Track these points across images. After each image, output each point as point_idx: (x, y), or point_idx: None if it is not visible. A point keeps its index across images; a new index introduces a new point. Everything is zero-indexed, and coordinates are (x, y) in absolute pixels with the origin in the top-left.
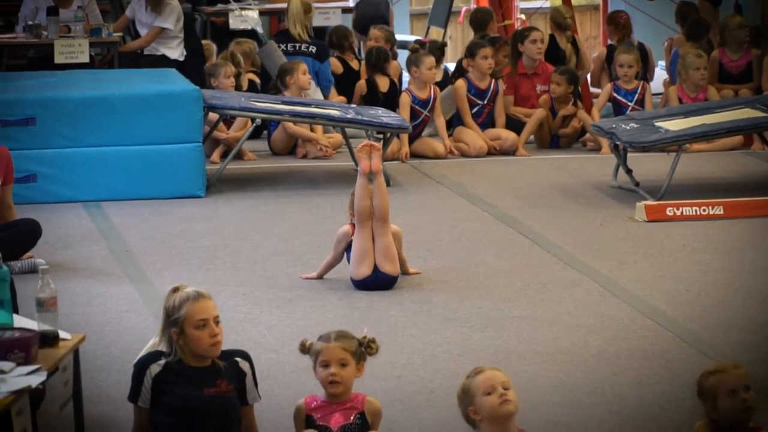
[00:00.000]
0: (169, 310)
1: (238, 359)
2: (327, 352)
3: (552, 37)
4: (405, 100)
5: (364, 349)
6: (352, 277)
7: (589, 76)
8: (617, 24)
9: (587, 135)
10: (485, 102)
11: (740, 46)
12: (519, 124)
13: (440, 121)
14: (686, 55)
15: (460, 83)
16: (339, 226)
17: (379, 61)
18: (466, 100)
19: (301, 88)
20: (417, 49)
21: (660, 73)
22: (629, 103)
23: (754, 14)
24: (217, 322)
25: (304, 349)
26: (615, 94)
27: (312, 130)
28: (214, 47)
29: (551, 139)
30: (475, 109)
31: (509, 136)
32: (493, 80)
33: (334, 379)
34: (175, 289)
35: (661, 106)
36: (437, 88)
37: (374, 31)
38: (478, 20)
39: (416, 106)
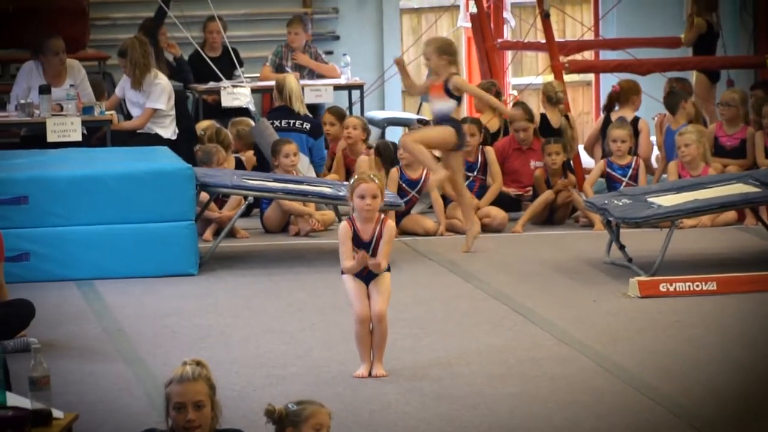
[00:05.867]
0: (165, 384)
1: None
2: (321, 416)
3: (543, 115)
4: (393, 176)
5: None
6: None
7: (582, 149)
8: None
9: (579, 212)
10: (474, 174)
11: (738, 122)
12: (508, 199)
13: (438, 203)
14: (682, 132)
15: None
16: (332, 304)
17: (388, 154)
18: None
19: (284, 170)
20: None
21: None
22: (623, 178)
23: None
24: (199, 407)
25: (275, 415)
26: (609, 170)
27: (305, 206)
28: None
29: (547, 213)
30: (467, 183)
31: (498, 214)
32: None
33: None
34: (183, 363)
35: (655, 181)
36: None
37: (351, 120)
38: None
39: (404, 185)
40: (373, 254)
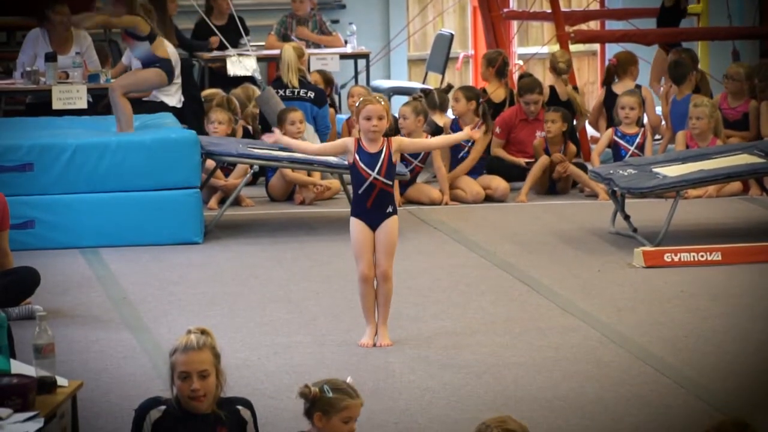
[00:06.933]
0: (170, 352)
1: (239, 407)
2: (355, 409)
3: (551, 87)
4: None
5: None
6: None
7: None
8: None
9: None
10: (470, 144)
11: (742, 96)
12: (513, 169)
13: (442, 172)
14: (697, 104)
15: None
16: (337, 273)
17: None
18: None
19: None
20: (418, 98)
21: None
22: (629, 147)
23: (751, 61)
24: (204, 376)
25: (309, 396)
26: (615, 137)
27: (309, 175)
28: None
29: (549, 183)
30: (461, 154)
31: (500, 184)
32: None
33: None
34: (188, 332)
35: (661, 152)
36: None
37: (356, 89)
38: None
39: (406, 155)
40: (382, 168)
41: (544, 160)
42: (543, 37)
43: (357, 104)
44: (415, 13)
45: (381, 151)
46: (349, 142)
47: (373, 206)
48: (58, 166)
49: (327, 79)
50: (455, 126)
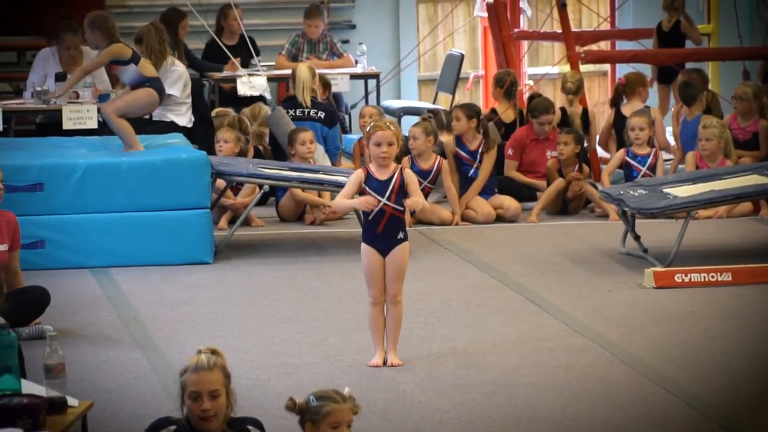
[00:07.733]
0: (180, 372)
1: (249, 427)
2: (341, 413)
3: (562, 109)
4: (404, 165)
5: None
6: None
7: (597, 137)
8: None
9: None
10: (477, 163)
11: (751, 115)
12: (524, 189)
13: (452, 192)
14: (706, 125)
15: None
16: (347, 293)
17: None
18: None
19: (301, 158)
20: (428, 119)
21: (670, 139)
22: (641, 167)
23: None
24: (214, 396)
25: (295, 409)
26: (627, 158)
27: (320, 195)
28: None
29: (561, 204)
30: (471, 173)
31: (511, 205)
32: (436, 160)
33: None
34: (198, 352)
35: (671, 172)
36: (443, 160)
37: (367, 109)
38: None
39: (416, 175)
40: (392, 195)
41: (559, 183)
42: (553, 57)
43: (368, 128)
44: (425, 33)
45: (391, 178)
46: (359, 173)
47: (383, 232)
48: (69, 186)
49: (325, 82)
50: (459, 143)
